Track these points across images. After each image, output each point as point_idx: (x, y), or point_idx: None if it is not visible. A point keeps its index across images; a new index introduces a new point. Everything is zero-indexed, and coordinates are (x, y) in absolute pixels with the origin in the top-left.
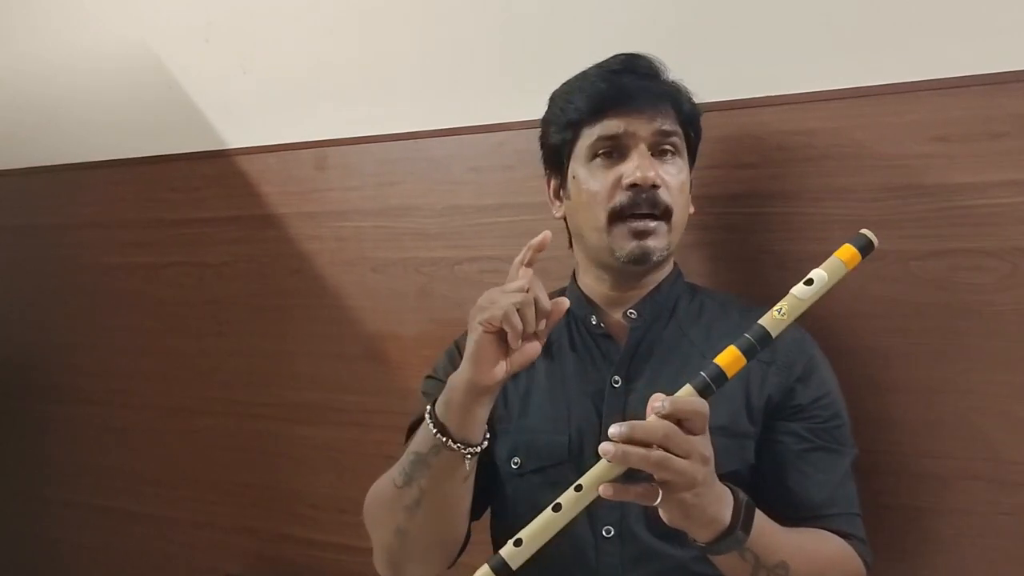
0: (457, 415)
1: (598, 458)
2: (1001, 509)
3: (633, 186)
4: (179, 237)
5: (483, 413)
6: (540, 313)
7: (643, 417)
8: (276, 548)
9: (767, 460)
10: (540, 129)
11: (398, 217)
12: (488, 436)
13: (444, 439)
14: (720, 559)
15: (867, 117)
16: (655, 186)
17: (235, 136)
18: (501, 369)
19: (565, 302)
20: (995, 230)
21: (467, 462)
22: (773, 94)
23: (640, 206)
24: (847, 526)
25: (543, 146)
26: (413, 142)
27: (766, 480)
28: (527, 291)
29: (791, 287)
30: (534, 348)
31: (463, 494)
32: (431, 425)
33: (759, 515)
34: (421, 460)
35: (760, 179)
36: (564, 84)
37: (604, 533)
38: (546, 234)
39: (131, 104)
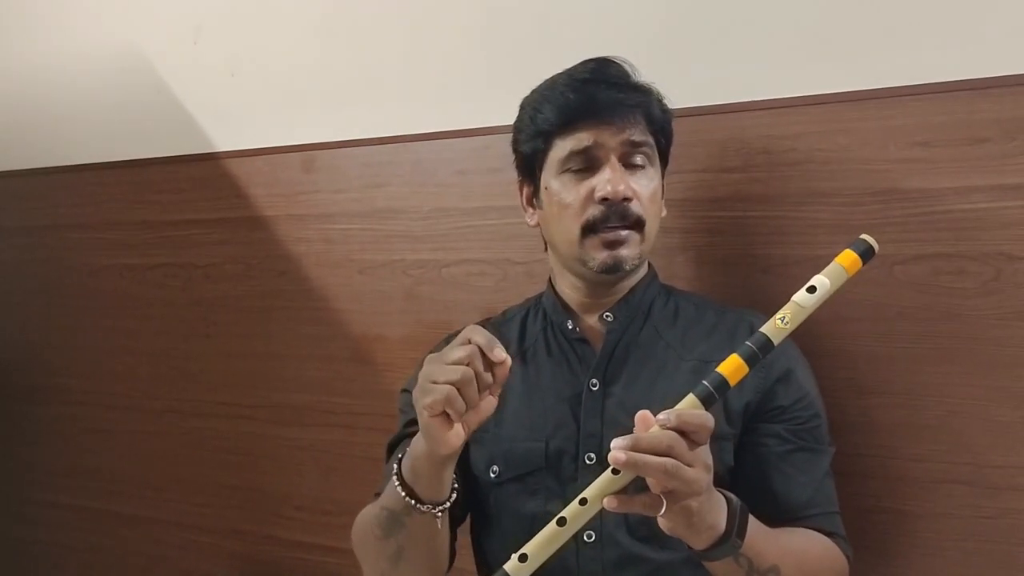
0: (424, 481)
1: (576, 464)
2: (982, 512)
3: (604, 200)
4: (166, 239)
5: (449, 473)
6: (482, 386)
7: (622, 421)
8: (262, 550)
9: (750, 462)
10: (512, 136)
11: (385, 220)
12: (456, 486)
13: (413, 503)
14: (714, 565)
15: (850, 122)
16: (626, 199)
17: (223, 139)
18: (459, 436)
19: (508, 361)
20: (977, 235)
21: (439, 520)
22: (758, 99)
23: (612, 219)
24: (829, 525)
25: (515, 152)
26: (400, 145)
27: (749, 482)
28: (467, 365)
29: (774, 290)
30: (489, 404)
31: (442, 540)
32: (399, 488)
33: (751, 520)
34: (395, 519)
35: (744, 183)
36: (533, 91)
37: (585, 538)
38: (506, 359)
39: (119, 106)
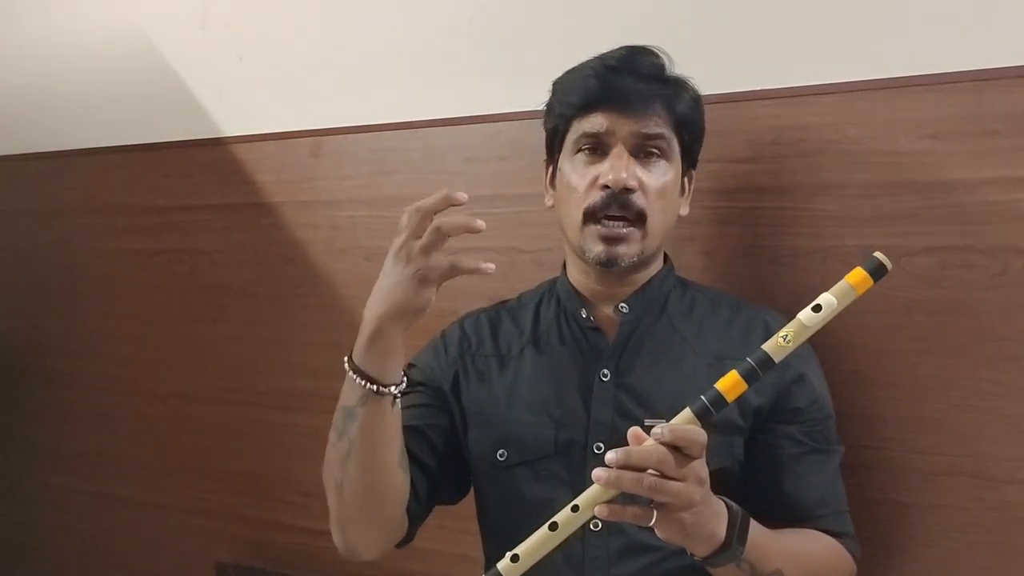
0: (382, 358)
1: (584, 452)
2: (987, 505)
3: (606, 187)
4: (173, 224)
5: (402, 347)
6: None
7: (634, 412)
8: (267, 535)
9: (764, 463)
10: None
11: (392, 206)
12: (405, 375)
13: (368, 385)
14: (717, 570)
15: (861, 113)
16: (629, 189)
17: (230, 124)
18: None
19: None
20: (986, 228)
21: (396, 404)
22: (767, 88)
23: (612, 208)
24: (838, 525)
25: (545, 131)
26: (408, 131)
27: (759, 482)
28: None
29: (782, 282)
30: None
31: (392, 437)
32: (355, 376)
33: (754, 525)
34: (348, 413)
35: (753, 174)
36: (566, 72)
37: (592, 527)
38: (462, 195)
39: (126, 91)
